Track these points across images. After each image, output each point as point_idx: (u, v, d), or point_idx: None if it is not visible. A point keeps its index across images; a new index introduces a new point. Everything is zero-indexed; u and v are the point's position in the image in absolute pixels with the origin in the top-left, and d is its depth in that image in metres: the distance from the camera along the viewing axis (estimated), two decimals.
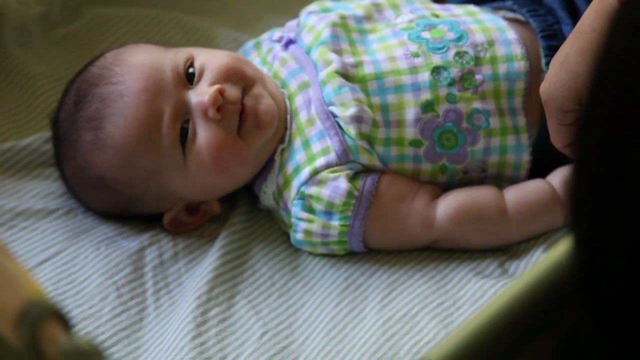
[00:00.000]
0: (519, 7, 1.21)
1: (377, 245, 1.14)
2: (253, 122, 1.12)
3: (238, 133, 1.12)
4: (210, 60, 1.14)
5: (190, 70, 1.14)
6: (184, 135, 1.12)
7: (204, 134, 1.11)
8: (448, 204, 1.12)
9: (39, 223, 1.18)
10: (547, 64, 1.15)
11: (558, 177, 1.13)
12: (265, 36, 1.26)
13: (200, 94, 1.12)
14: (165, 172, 1.13)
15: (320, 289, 1.13)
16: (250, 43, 1.27)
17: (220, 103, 1.10)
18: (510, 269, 1.13)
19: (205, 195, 1.17)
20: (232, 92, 1.12)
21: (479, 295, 1.10)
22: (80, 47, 1.34)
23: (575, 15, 1.18)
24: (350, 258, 1.15)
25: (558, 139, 1.05)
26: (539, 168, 1.18)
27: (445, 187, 1.15)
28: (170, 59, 1.14)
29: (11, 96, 1.30)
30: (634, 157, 0.55)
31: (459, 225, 1.12)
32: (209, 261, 1.14)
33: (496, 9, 1.23)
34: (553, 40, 1.17)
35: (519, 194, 1.13)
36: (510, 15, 1.22)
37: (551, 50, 1.15)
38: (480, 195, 1.13)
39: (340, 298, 1.11)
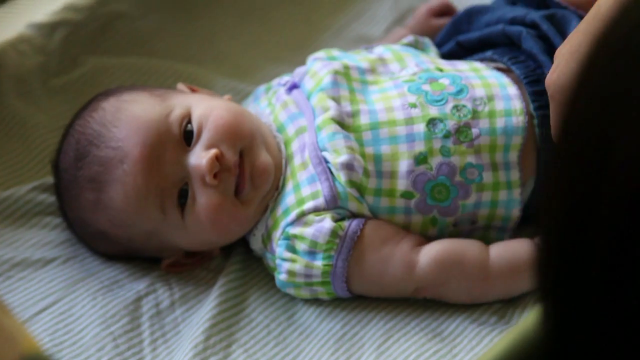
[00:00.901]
0: (499, 56, 1.22)
1: (360, 289, 1.14)
2: (250, 184, 1.13)
3: (236, 196, 1.13)
4: (208, 115, 1.14)
5: (188, 127, 1.14)
6: (183, 197, 1.13)
7: (202, 198, 1.12)
8: (432, 247, 1.12)
9: (37, 273, 1.19)
10: (536, 108, 1.16)
11: None
12: (275, 81, 1.27)
13: (198, 159, 1.12)
14: (165, 231, 1.15)
15: (316, 338, 1.13)
16: (262, 87, 1.28)
17: (217, 169, 1.11)
18: (507, 317, 1.13)
19: (205, 247, 1.19)
20: (229, 155, 1.12)
21: (475, 343, 1.10)
22: (78, 97, 1.34)
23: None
24: (347, 306, 1.15)
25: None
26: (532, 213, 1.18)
27: (435, 240, 1.15)
28: (167, 116, 1.14)
29: (10, 145, 1.31)
30: (597, 229, 0.55)
31: (441, 270, 1.11)
32: (206, 310, 1.14)
33: (478, 61, 1.24)
34: (538, 85, 1.18)
35: (503, 251, 1.12)
36: (493, 65, 1.23)
37: (538, 95, 1.16)
38: (465, 244, 1.13)
39: (336, 346, 1.11)
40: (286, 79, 1.24)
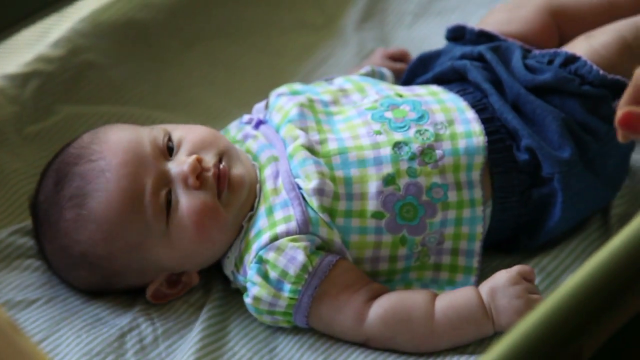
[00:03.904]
0: (450, 90, 1.28)
1: (313, 325, 1.17)
2: (228, 186, 1.17)
3: (218, 199, 1.16)
4: (186, 133, 1.20)
5: (169, 144, 1.18)
6: (167, 204, 1.15)
7: (185, 201, 1.15)
8: (380, 304, 1.15)
9: (21, 313, 1.20)
10: (486, 134, 1.21)
11: (487, 287, 1.15)
12: (233, 123, 1.31)
13: (180, 164, 1.16)
14: (148, 242, 1.16)
15: None
16: (220, 133, 1.32)
17: (198, 171, 1.15)
18: (484, 344, 1.15)
19: (187, 263, 1.20)
20: (208, 159, 1.17)
21: None
22: (54, 144, 1.37)
23: (498, 86, 1.25)
24: (328, 339, 1.17)
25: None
26: (495, 239, 1.23)
27: (406, 261, 1.19)
28: (147, 134, 1.19)
29: None
30: None
31: (387, 327, 1.14)
32: (190, 344, 1.16)
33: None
34: (484, 113, 1.23)
35: (447, 301, 1.15)
36: None
37: (485, 123, 1.21)
38: (411, 298, 1.15)
39: None
40: (247, 117, 1.28)
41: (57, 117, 1.43)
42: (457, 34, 1.36)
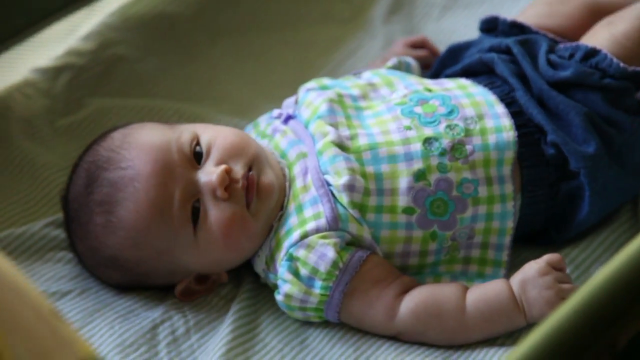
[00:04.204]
0: (478, 83, 1.28)
1: (345, 319, 1.17)
2: (256, 197, 1.17)
3: (247, 208, 1.16)
4: (215, 137, 1.19)
5: (197, 149, 1.18)
6: (195, 214, 1.16)
7: (214, 212, 1.15)
8: (411, 298, 1.15)
9: (54, 305, 1.21)
10: (514, 128, 1.21)
11: (517, 279, 1.15)
12: (263, 117, 1.32)
13: (208, 175, 1.16)
14: (176, 249, 1.17)
15: None
16: (249, 126, 1.33)
17: (227, 183, 1.15)
18: (514, 336, 1.16)
19: (215, 268, 1.21)
20: (237, 169, 1.16)
21: None
22: (84, 136, 1.39)
23: (524, 80, 1.25)
24: (357, 331, 1.18)
25: None
26: (524, 232, 1.23)
27: (435, 255, 1.19)
28: (176, 139, 1.18)
29: (21, 185, 1.34)
30: None
31: (418, 322, 1.15)
32: (221, 336, 1.17)
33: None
34: (512, 106, 1.24)
35: (478, 294, 1.15)
36: None
37: (513, 117, 1.22)
38: (442, 292, 1.16)
39: None
40: (277, 111, 1.28)
41: (88, 110, 1.44)
42: (490, 26, 1.36)
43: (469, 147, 1.19)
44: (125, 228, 1.16)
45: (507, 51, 1.29)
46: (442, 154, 1.18)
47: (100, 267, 1.21)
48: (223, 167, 1.16)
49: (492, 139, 1.20)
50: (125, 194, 1.16)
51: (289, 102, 1.29)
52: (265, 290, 1.23)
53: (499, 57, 1.28)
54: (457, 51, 1.36)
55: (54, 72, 1.45)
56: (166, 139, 1.18)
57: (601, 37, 1.27)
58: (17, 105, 1.41)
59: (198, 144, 1.19)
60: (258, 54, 1.56)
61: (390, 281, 1.16)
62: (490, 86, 1.26)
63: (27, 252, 1.27)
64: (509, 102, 1.24)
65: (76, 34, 1.51)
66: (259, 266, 1.21)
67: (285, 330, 1.19)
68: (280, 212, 1.19)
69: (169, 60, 1.53)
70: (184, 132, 1.20)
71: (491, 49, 1.30)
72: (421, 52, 1.44)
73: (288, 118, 1.26)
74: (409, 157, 1.18)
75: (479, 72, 1.31)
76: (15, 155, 1.37)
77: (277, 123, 1.27)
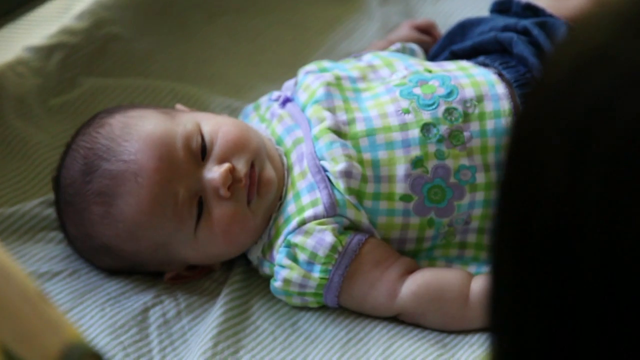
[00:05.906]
0: (491, 61, 1.26)
1: (346, 304, 1.17)
2: (257, 191, 1.16)
3: (247, 205, 1.16)
4: (217, 131, 1.17)
5: (200, 142, 1.16)
6: (199, 211, 1.15)
7: (217, 210, 1.15)
8: (414, 280, 1.15)
9: (45, 285, 1.20)
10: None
11: None
12: (264, 98, 1.31)
13: (212, 173, 1.15)
14: (175, 244, 1.17)
15: (322, 343, 1.15)
16: (249, 106, 1.32)
17: (230, 182, 1.14)
18: None
19: (210, 261, 1.21)
20: (240, 167, 1.15)
21: (477, 347, 1.13)
22: (78, 116, 1.37)
23: None
24: (350, 314, 1.17)
25: None
26: None
27: (432, 241, 1.19)
28: (180, 133, 1.16)
29: (13, 164, 1.33)
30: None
31: (420, 304, 1.14)
32: (212, 318, 1.17)
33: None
34: (526, 88, 1.22)
35: (484, 283, 1.14)
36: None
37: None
38: (446, 278, 1.15)
39: (342, 351, 1.14)
40: (276, 94, 1.27)
41: (81, 89, 1.43)
42: (502, 7, 1.34)
43: (466, 134, 1.18)
44: (125, 221, 1.15)
45: (524, 32, 1.27)
46: (440, 140, 1.17)
47: (93, 252, 1.21)
48: (226, 166, 1.15)
49: (490, 124, 1.19)
50: (126, 188, 1.15)
51: (288, 84, 1.28)
52: (257, 273, 1.23)
53: (518, 37, 1.25)
54: (467, 26, 1.34)
55: (47, 51, 1.44)
56: (171, 133, 1.16)
57: None
58: (9, 84, 1.39)
59: (202, 138, 1.17)
60: (254, 34, 1.55)
61: (391, 262, 1.16)
62: (505, 66, 1.25)
63: (19, 232, 1.26)
64: (524, 83, 1.22)
65: (70, 13, 1.49)
66: (254, 254, 1.20)
67: (277, 313, 1.19)
68: (279, 202, 1.19)
69: (163, 39, 1.51)
70: (187, 125, 1.18)
71: (506, 28, 1.28)
72: (427, 38, 1.43)
73: (286, 101, 1.25)
74: (406, 144, 1.17)
75: (490, 51, 1.29)
76: (7, 134, 1.36)
77: (275, 106, 1.25)
